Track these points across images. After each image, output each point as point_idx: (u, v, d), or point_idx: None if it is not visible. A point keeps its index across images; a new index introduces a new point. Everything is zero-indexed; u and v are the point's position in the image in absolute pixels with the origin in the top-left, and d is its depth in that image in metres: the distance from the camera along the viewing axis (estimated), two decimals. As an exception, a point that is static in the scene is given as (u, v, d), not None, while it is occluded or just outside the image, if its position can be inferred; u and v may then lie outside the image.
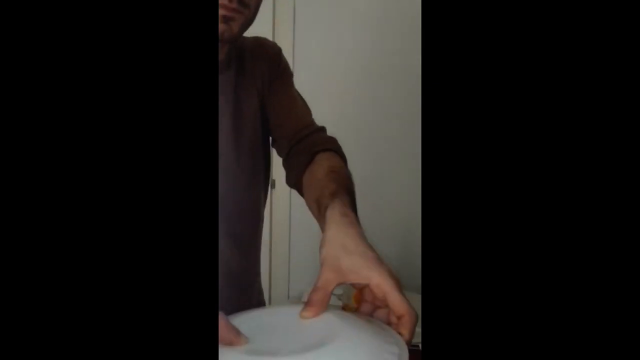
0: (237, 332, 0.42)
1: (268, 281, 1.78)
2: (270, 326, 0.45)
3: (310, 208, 0.66)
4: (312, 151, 0.71)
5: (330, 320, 0.45)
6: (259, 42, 0.79)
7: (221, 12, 0.61)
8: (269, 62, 0.77)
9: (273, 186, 1.95)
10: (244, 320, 0.44)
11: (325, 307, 0.47)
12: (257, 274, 0.83)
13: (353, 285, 0.50)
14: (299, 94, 0.80)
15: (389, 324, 0.47)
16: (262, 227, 0.81)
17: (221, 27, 0.62)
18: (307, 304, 0.47)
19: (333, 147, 0.72)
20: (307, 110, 0.79)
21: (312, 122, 0.77)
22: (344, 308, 1.24)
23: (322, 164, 0.68)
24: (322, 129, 0.76)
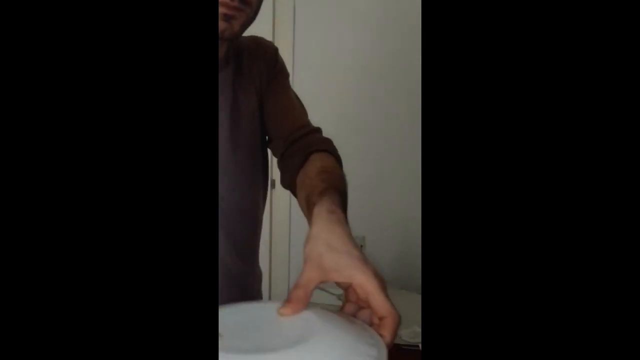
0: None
1: (268, 281, 1.78)
2: (248, 322, 0.44)
3: (301, 207, 0.65)
4: (306, 152, 0.70)
5: (309, 319, 0.44)
6: (256, 41, 0.79)
7: (222, 10, 0.61)
8: (267, 61, 0.77)
9: (273, 186, 1.95)
10: (221, 316, 0.42)
11: (306, 305, 0.46)
12: (256, 274, 0.83)
13: (337, 284, 0.49)
14: (295, 95, 0.80)
15: (372, 325, 0.46)
16: (260, 228, 0.81)
17: (222, 25, 0.62)
18: (286, 301, 0.46)
19: (328, 148, 0.71)
20: (303, 111, 0.78)
21: (308, 123, 0.77)
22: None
23: (315, 164, 0.67)
24: (318, 130, 0.76)
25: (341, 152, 0.73)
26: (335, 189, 0.58)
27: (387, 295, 0.45)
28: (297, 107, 0.78)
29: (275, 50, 0.80)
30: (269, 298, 1.76)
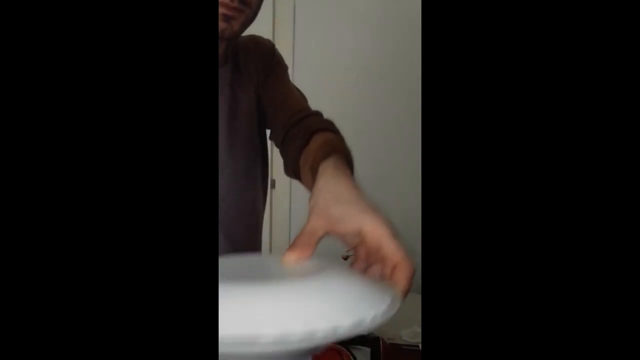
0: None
1: (268, 281, 1.78)
2: (254, 267, 0.42)
3: (306, 185, 0.61)
4: (308, 133, 0.67)
5: (318, 264, 0.40)
6: (254, 40, 0.79)
7: (222, 10, 0.61)
8: (264, 57, 0.77)
9: (273, 186, 1.95)
10: (223, 264, 0.38)
11: (311, 253, 0.42)
12: None
13: (344, 242, 0.44)
14: (294, 86, 0.79)
15: (384, 280, 0.42)
16: (261, 228, 0.81)
17: (222, 25, 0.62)
18: (290, 248, 0.42)
19: (330, 127, 0.69)
20: (302, 98, 0.77)
21: (308, 107, 0.75)
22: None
23: (317, 140, 0.64)
24: (318, 113, 0.74)
25: (341, 152, 0.72)
26: (340, 153, 0.56)
27: (399, 242, 0.42)
28: (295, 94, 0.77)
29: (272, 45, 0.80)
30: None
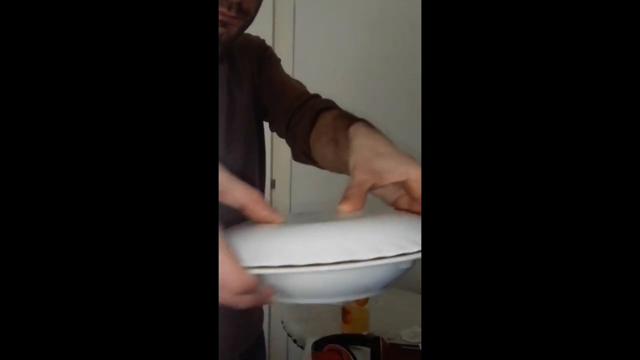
0: (273, 210, 0.42)
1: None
2: (302, 216, 0.45)
3: (325, 158, 0.62)
4: (313, 113, 0.68)
5: (370, 211, 0.44)
6: (246, 39, 0.79)
7: (220, 17, 0.61)
8: (256, 52, 0.78)
9: (273, 186, 1.95)
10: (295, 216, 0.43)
11: (363, 204, 0.45)
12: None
13: (383, 199, 0.48)
14: (289, 75, 0.80)
15: None
16: None
17: (220, 29, 0.62)
18: (343, 198, 0.44)
19: (334, 105, 0.69)
20: (300, 85, 0.78)
21: (307, 91, 0.76)
22: (344, 313, 1.24)
23: (327, 117, 0.65)
24: (317, 95, 0.74)
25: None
26: (362, 120, 0.56)
27: None
28: (292, 81, 0.78)
29: (263, 41, 0.81)
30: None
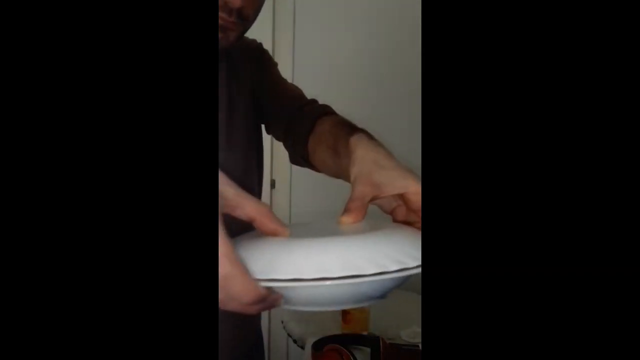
0: (281, 223, 0.43)
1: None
2: (325, 228, 0.46)
3: (324, 164, 0.64)
4: (312, 118, 0.69)
5: (370, 222, 0.46)
6: (243, 41, 0.79)
7: (219, 22, 0.61)
8: (254, 54, 0.79)
9: (273, 186, 1.95)
10: (298, 227, 0.45)
11: (364, 215, 0.47)
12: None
13: (381, 208, 0.49)
14: (286, 80, 0.80)
15: None
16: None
17: (219, 34, 0.62)
18: (345, 210, 0.46)
19: (332, 111, 0.70)
20: (298, 90, 0.79)
21: (304, 96, 0.77)
22: (344, 313, 1.23)
23: (326, 123, 0.66)
24: (315, 101, 0.75)
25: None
26: (361, 129, 0.58)
27: None
28: (290, 86, 0.79)
29: (260, 44, 0.81)
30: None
